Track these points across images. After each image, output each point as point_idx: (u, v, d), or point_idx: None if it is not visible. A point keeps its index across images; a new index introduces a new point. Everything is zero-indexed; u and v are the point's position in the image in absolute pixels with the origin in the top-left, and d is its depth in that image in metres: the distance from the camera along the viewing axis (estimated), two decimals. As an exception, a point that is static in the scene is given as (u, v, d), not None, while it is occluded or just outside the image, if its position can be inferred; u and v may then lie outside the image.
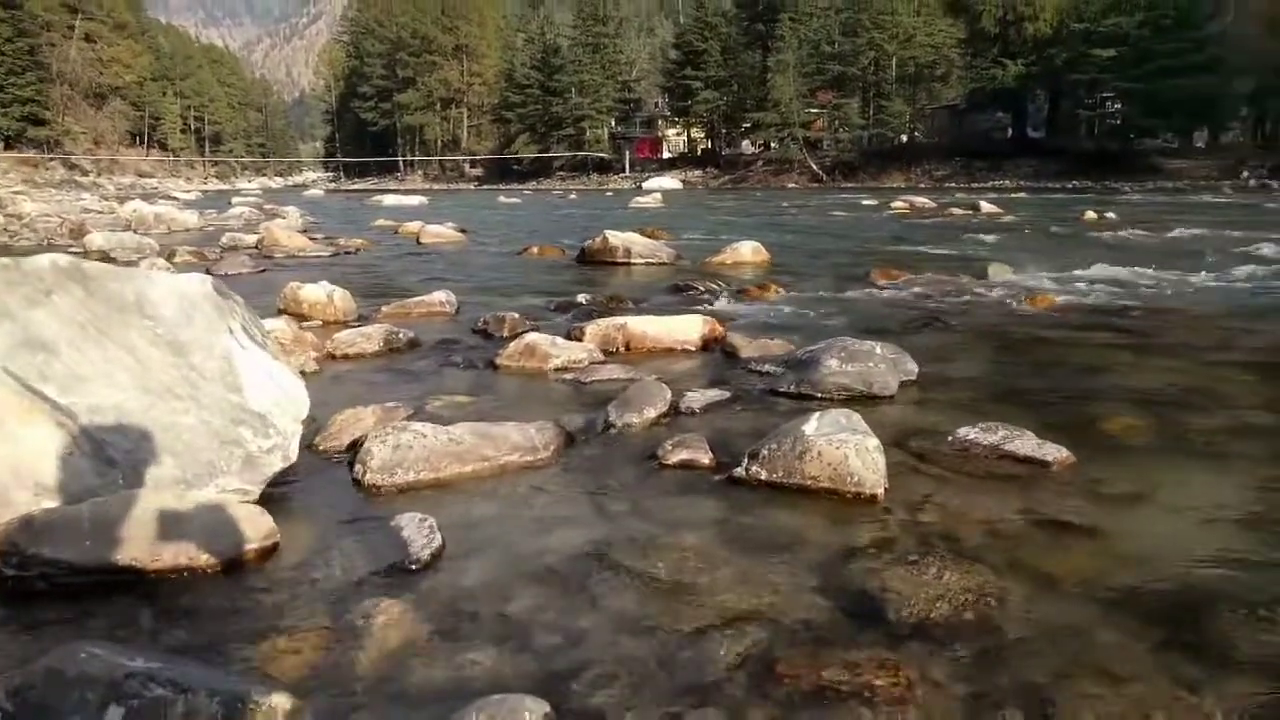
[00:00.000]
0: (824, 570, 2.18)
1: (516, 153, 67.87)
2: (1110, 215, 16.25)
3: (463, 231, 13.82)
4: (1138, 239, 12.01)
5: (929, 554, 2.23)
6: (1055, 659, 1.82)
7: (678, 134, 68.62)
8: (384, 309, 5.96)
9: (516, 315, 5.33)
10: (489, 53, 76.18)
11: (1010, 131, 51.30)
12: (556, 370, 4.18)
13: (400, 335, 4.78)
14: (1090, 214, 16.29)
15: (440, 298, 6.06)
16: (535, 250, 10.70)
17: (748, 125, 57.89)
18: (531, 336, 4.41)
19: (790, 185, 48.50)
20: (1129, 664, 1.80)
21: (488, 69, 75.43)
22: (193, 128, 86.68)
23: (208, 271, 7.76)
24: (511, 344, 4.39)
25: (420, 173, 74.77)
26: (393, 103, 75.96)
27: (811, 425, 2.75)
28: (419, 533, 2.25)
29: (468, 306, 6.15)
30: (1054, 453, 2.94)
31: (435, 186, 62.71)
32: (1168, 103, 40.97)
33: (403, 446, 2.77)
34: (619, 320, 4.81)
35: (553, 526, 2.47)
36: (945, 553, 2.24)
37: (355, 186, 67.32)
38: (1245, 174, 36.03)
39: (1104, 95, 45.47)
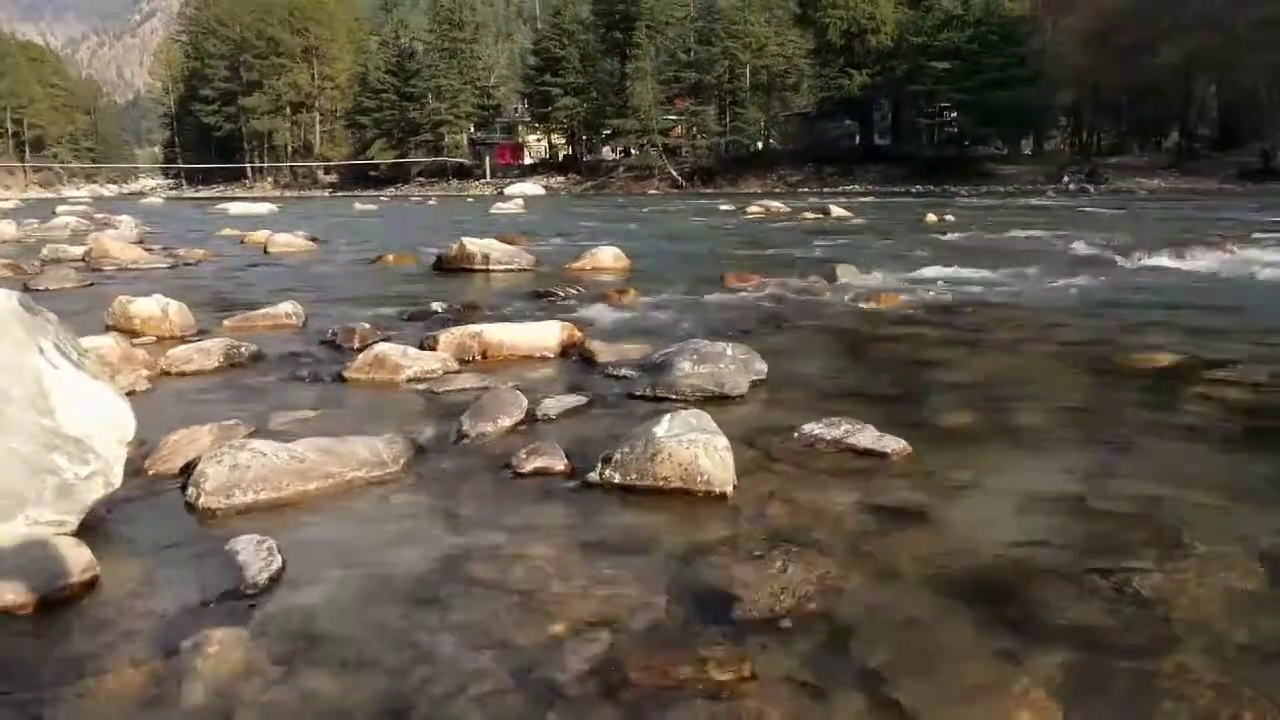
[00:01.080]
0: (675, 570, 2.21)
1: (373, 158, 65.95)
2: (949, 218, 17.25)
3: (314, 240, 13.31)
4: (973, 240, 12.80)
5: (775, 548, 2.30)
6: (891, 643, 1.90)
7: (539, 140, 68.31)
8: (226, 322, 5.67)
9: (367, 326, 5.17)
10: (341, 56, 73.56)
11: (858, 139, 53.67)
12: (409, 381, 4.08)
13: (242, 349, 4.55)
14: (931, 217, 17.23)
15: (287, 309, 5.81)
16: (390, 258, 10.43)
17: (608, 132, 58.20)
18: (382, 347, 4.28)
19: (651, 191, 49.15)
20: (957, 643, 1.90)
21: (340, 72, 72.84)
22: (10, 131, 79.98)
23: (25, 287, 7.19)
24: (361, 355, 4.26)
25: (270, 180, 71.47)
26: (238, 106, 72.27)
27: (662, 427, 2.79)
28: (257, 555, 2.14)
29: (317, 318, 5.92)
30: (893, 444, 3.08)
31: (287, 194, 60.16)
32: (997, 112, 43.87)
33: (240, 466, 2.63)
34: (474, 328, 4.74)
35: (402, 541, 2.40)
36: (790, 546, 2.32)
37: (199, 194, 63.79)
38: (1066, 179, 39.00)
39: (942, 105, 48.19)
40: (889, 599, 2.09)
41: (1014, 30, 45.18)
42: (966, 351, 4.93)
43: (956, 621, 1.99)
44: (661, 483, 2.69)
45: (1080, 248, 10.86)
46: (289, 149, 73.49)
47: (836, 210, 19.88)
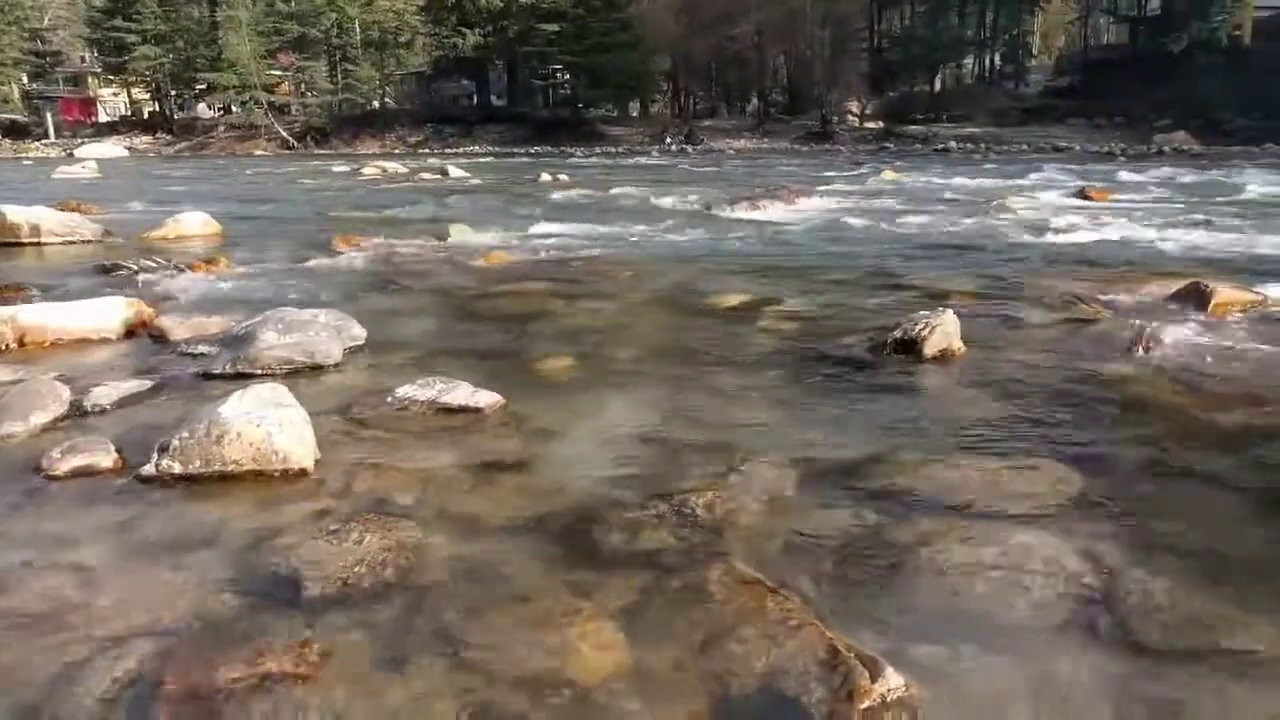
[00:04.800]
0: (239, 560, 2.02)
1: (-117, 114, 53.25)
2: (563, 177, 17.85)
3: None
4: (584, 197, 13.36)
5: (355, 520, 2.19)
6: (471, 596, 1.90)
7: (115, 94, 59.57)
8: None
9: None
10: None
11: (475, 99, 53.58)
12: (-92, 383, 3.32)
13: None
14: (546, 176, 17.72)
15: None
16: (-100, 236, 8.46)
17: (202, 87, 52.27)
18: None
19: (259, 152, 45.16)
20: (536, 585, 1.95)
21: None
22: None
23: None
24: None
25: None
26: None
27: (230, 406, 2.54)
28: None
29: None
30: (487, 399, 3.09)
31: None
32: (604, 76, 46.14)
33: None
34: (6, 311, 3.98)
35: (-121, 581, 1.94)
36: (372, 515, 2.23)
37: None
38: (668, 140, 42.23)
39: (554, 67, 49.54)
40: (470, 553, 2.08)
41: (613, -5, 47.54)
42: (568, 303, 5.11)
43: (534, 564, 2.04)
44: (231, 467, 2.45)
45: (677, 202, 11.80)
46: None
47: (455, 171, 19.71)
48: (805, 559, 2.04)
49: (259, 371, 3.44)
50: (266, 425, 2.48)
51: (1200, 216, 9.09)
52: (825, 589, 1.91)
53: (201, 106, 56.16)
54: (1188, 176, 16.22)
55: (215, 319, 4.29)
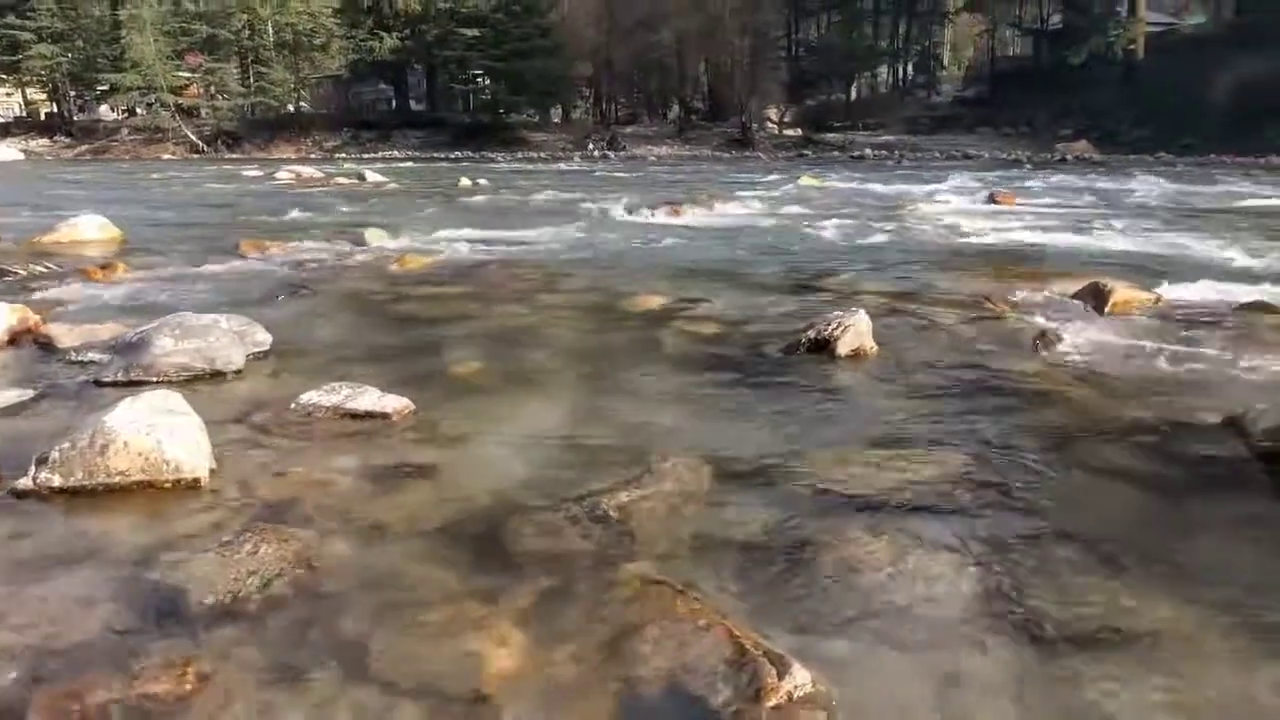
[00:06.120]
0: (120, 577, 1.90)
1: None
2: (483, 182, 17.65)
3: None
4: (503, 202, 13.23)
5: (250, 531, 2.09)
6: (372, 607, 1.82)
7: (9, 95, 56.76)
8: None
9: None
10: None
11: (394, 103, 52.75)
12: None
13: None
14: (465, 181, 17.49)
15: None
16: None
17: (104, 88, 50.16)
18: None
19: (167, 156, 43.55)
20: (441, 592, 1.88)
21: None
22: None
23: None
24: None
25: None
26: None
27: (117, 414, 2.40)
28: None
29: None
30: (395, 404, 3.00)
31: None
32: (525, 81, 45.90)
33: None
34: (-126, 320, 3.73)
35: None
36: (268, 526, 2.13)
37: None
38: (590, 146, 42.25)
39: (474, 72, 49.05)
40: (373, 562, 2.01)
41: (536, 2, 47.32)
42: (483, 307, 5.03)
43: (440, 571, 1.97)
44: (118, 478, 2.31)
45: (597, 207, 11.76)
46: None
47: (373, 175, 19.30)
48: (715, 558, 2.02)
49: (154, 379, 3.28)
50: (157, 433, 2.35)
51: (1100, 220, 9.47)
52: (734, 587, 1.90)
53: (104, 108, 53.98)
54: (1088, 183, 16.90)
55: (108, 325, 4.08)
